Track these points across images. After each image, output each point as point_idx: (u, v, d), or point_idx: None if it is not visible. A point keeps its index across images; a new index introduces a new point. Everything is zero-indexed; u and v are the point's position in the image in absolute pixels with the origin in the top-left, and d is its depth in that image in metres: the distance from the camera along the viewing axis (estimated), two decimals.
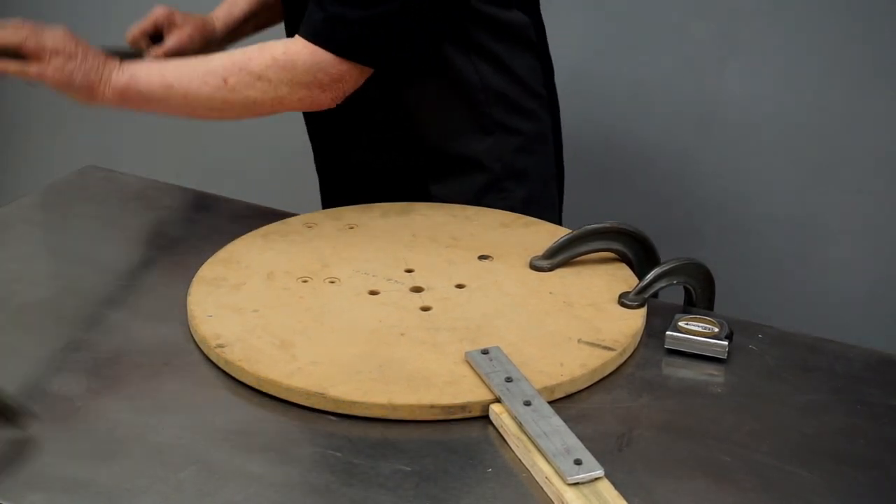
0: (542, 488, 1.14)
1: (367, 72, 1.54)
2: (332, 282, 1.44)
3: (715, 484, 1.16)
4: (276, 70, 1.50)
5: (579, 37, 2.38)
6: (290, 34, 1.64)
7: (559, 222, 1.76)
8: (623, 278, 1.46)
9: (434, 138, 1.66)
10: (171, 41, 1.74)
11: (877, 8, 2.17)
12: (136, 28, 1.75)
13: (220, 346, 1.31)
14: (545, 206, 1.74)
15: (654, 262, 1.48)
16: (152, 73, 1.52)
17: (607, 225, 1.48)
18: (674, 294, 1.47)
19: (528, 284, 1.45)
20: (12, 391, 1.26)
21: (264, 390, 1.26)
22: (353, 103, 1.58)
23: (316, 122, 1.76)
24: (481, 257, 1.50)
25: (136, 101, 1.54)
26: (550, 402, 1.23)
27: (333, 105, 1.55)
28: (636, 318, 1.38)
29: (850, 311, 2.31)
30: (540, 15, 1.76)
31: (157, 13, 1.75)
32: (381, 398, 1.23)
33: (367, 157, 1.71)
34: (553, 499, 1.12)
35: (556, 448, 1.15)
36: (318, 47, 1.49)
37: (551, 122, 1.77)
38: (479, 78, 1.64)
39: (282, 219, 1.60)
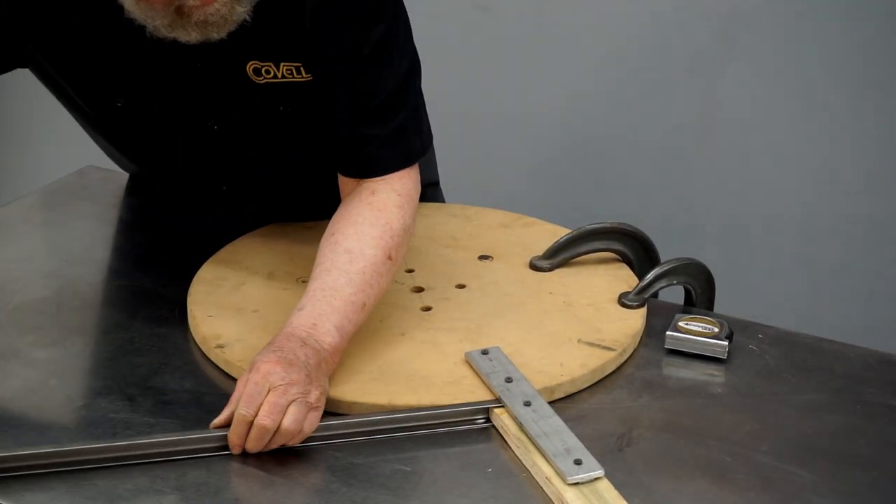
0: (542, 488, 1.14)
1: None
2: None
3: (715, 484, 1.16)
4: (409, 210, 1.40)
5: (581, 37, 2.38)
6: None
7: None
8: (623, 278, 1.46)
9: None
10: None
11: (876, 8, 2.17)
12: None
13: (220, 346, 1.31)
14: None
15: (654, 262, 1.48)
16: (347, 311, 1.30)
17: (607, 225, 1.48)
18: (674, 294, 1.47)
19: (528, 285, 1.44)
20: (12, 391, 1.27)
21: None
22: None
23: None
24: (481, 257, 1.50)
25: (351, 335, 1.32)
26: (550, 403, 1.23)
27: None
28: (636, 319, 1.38)
29: (850, 311, 2.31)
30: None
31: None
32: (381, 398, 1.23)
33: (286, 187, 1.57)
34: (553, 499, 1.12)
35: (556, 448, 1.15)
36: (412, 165, 1.43)
37: None
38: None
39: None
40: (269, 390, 1.17)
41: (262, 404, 1.16)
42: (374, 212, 1.37)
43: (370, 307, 1.32)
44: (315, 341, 1.24)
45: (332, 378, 1.24)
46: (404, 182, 1.40)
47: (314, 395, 1.19)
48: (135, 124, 1.44)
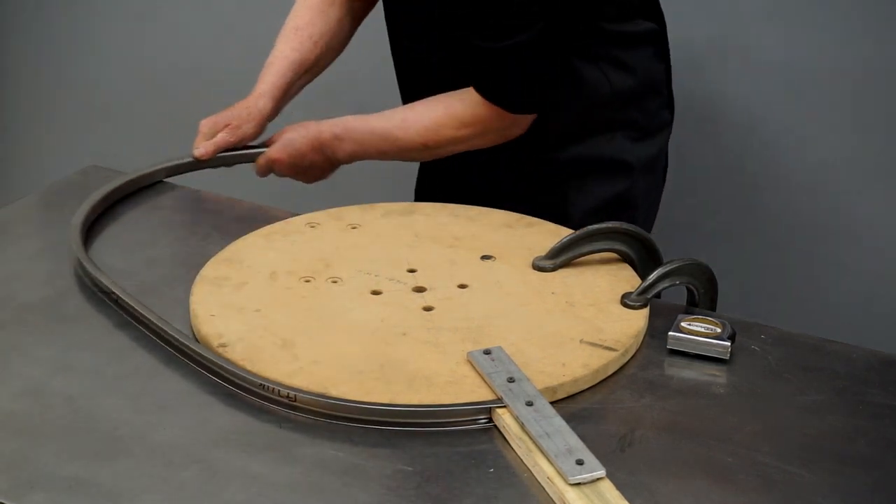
0: (543, 489, 1.14)
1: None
2: (335, 282, 1.44)
3: (717, 484, 1.16)
4: (469, 128, 1.66)
5: None
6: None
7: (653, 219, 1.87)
8: (625, 279, 1.46)
9: (562, 141, 1.73)
10: (212, 142, 1.72)
11: (877, 7, 2.17)
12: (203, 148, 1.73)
13: (223, 345, 1.31)
14: (655, 198, 1.87)
15: (657, 262, 1.48)
16: (367, 144, 1.69)
17: (610, 225, 1.48)
18: (676, 294, 1.47)
19: (530, 285, 1.44)
20: (13, 390, 1.27)
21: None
22: None
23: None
24: (484, 257, 1.50)
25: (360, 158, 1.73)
26: (552, 403, 1.23)
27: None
28: (638, 319, 1.38)
29: (853, 311, 2.31)
30: (663, 18, 1.82)
31: (205, 128, 1.74)
32: (382, 398, 1.23)
33: (497, 176, 1.78)
34: (555, 499, 1.12)
35: (557, 448, 1.15)
36: (495, 105, 1.64)
37: (670, 118, 1.85)
38: (609, 84, 1.71)
39: (284, 219, 1.60)
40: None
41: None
42: (441, 111, 1.66)
43: (385, 149, 1.68)
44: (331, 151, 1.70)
45: (332, 379, 1.25)
46: (490, 110, 1.65)
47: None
48: None
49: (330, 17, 1.81)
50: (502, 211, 1.62)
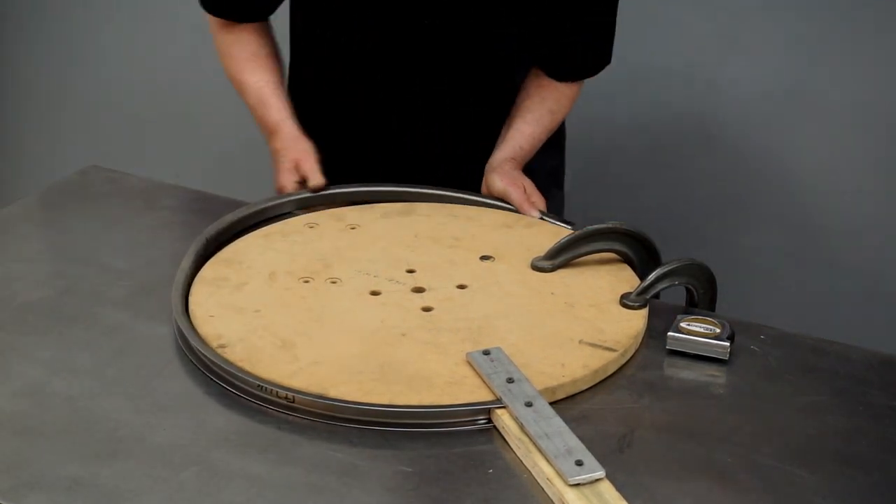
0: (543, 489, 1.14)
1: None
2: (334, 282, 1.44)
3: (716, 485, 1.16)
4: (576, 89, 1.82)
5: None
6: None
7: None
8: (625, 279, 1.46)
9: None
10: (314, 173, 1.68)
11: (878, 6, 2.17)
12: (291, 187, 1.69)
13: (222, 346, 1.31)
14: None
15: (656, 262, 1.48)
16: (536, 148, 1.77)
17: (609, 225, 1.48)
18: (676, 295, 1.47)
19: (529, 285, 1.44)
20: (13, 391, 1.27)
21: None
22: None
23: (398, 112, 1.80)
24: (483, 258, 1.50)
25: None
26: (552, 403, 1.23)
27: None
28: (638, 319, 1.38)
29: (852, 311, 2.31)
30: None
31: (288, 185, 1.69)
32: (382, 398, 1.23)
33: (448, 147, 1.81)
34: (554, 500, 1.12)
35: (557, 449, 1.15)
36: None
37: None
38: None
39: (283, 219, 1.60)
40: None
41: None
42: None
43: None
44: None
45: (332, 379, 1.25)
46: None
47: None
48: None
49: (264, 32, 1.81)
50: (502, 211, 1.62)
